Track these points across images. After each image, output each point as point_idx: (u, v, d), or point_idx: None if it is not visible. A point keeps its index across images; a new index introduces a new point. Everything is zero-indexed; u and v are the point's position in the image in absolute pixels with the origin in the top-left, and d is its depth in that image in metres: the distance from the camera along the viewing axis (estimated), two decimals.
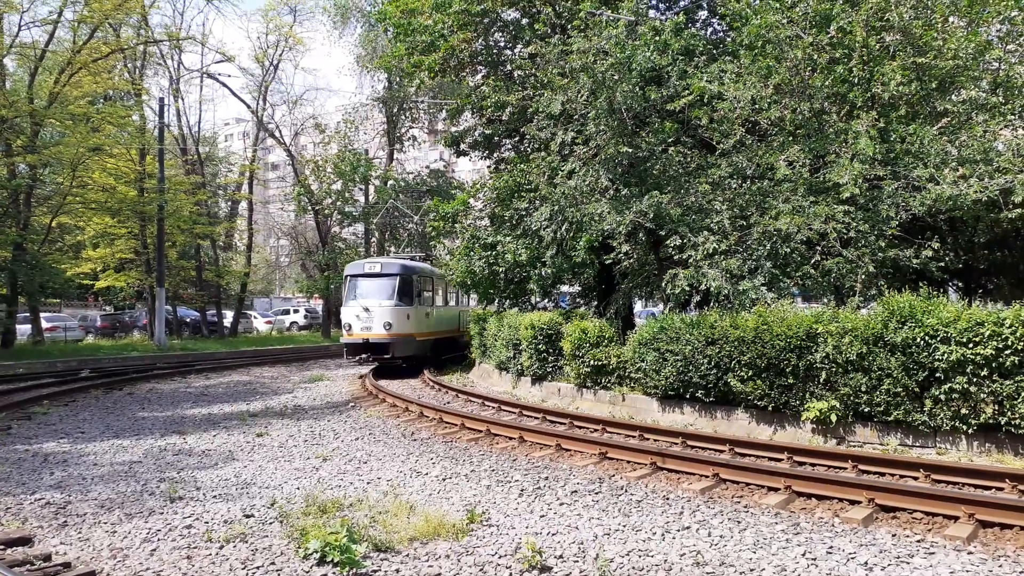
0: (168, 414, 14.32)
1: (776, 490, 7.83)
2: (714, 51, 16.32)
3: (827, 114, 12.95)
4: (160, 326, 30.99)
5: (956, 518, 6.68)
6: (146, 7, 31.82)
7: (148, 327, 34.96)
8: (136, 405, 15.66)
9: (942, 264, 12.29)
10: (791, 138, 13.20)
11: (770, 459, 9.26)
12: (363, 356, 21.56)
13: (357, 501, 7.52)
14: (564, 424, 12.27)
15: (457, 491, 8.13)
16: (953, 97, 12.00)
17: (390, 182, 40.07)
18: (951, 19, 12.55)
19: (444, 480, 8.67)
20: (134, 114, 33.84)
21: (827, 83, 12.63)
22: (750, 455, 9.53)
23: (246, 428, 12.51)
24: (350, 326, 21.64)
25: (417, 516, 6.80)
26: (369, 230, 39.27)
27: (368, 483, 8.54)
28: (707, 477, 8.44)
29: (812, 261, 12.44)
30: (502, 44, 22.57)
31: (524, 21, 20.83)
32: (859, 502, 7.26)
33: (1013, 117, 12.09)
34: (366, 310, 21.35)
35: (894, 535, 6.41)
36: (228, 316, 42.33)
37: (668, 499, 7.70)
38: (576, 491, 8.04)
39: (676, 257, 13.78)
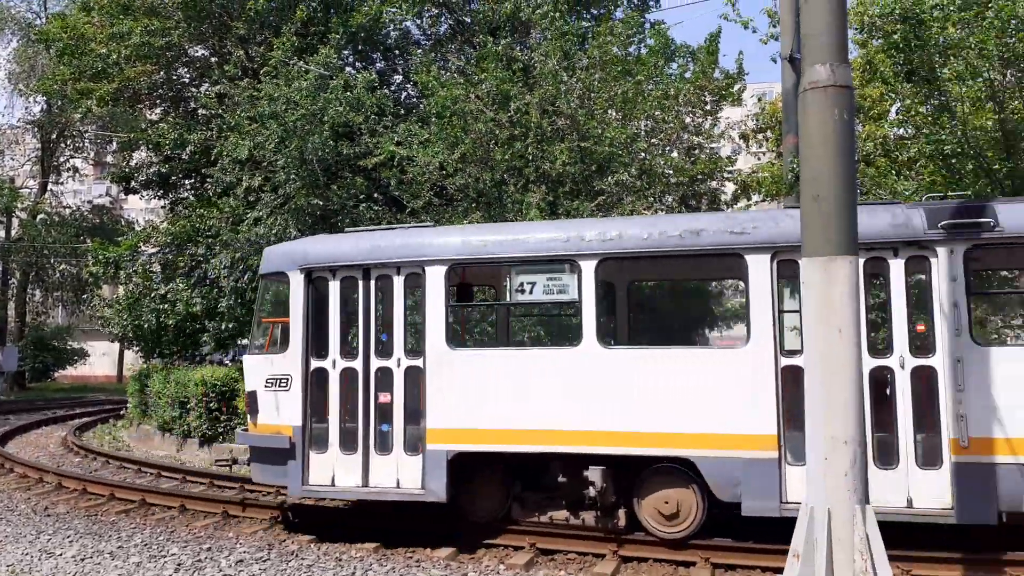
0: None
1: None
2: (406, 114, 16.84)
3: (506, 185, 13.97)
4: None
5: (604, 556, 7.33)
6: None
7: None
8: None
9: None
10: (474, 204, 14.00)
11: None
12: None
13: None
14: (235, 488, 11.34)
15: (99, 571, 7.07)
16: (608, 179, 13.60)
17: (40, 216, 34.97)
18: (610, 111, 14.37)
19: (83, 560, 7.48)
20: None
21: (507, 156, 13.66)
22: None
23: None
24: None
25: None
26: (8, 270, 33.69)
27: None
28: None
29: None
30: (187, 80, 21.12)
31: (213, 60, 19.76)
32: (522, 548, 7.64)
33: (653, 200, 14.09)
34: None
35: None
36: None
37: (340, 560, 7.42)
38: (242, 560, 7.42)
39: None
